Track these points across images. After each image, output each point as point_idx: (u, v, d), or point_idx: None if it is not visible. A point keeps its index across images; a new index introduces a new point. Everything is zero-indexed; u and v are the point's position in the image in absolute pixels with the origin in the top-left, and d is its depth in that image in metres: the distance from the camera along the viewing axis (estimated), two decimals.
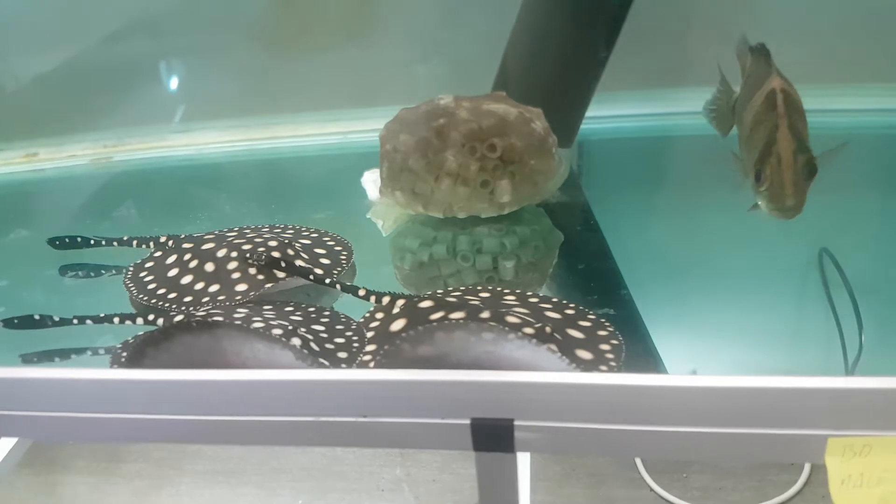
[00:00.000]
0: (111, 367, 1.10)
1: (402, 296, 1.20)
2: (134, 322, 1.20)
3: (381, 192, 1.49)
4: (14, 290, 1.46)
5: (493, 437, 0.99)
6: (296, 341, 1.06)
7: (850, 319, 1.26)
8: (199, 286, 1.26)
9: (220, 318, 1.11)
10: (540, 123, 1.41)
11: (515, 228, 1.45)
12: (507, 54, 1.73)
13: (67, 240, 1.47)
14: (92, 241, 1.46)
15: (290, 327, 1.09)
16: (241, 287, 1.24)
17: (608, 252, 1.45)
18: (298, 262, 1.28)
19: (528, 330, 1.01)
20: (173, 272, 1.31)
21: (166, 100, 2.06)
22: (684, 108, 1.87)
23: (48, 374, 1.00)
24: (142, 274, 1.33)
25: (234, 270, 1.27)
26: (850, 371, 1.21)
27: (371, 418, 1.00)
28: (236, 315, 1.15)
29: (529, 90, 1.64)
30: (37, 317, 1.16)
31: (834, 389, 0.84)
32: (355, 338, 1.12)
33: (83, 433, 1.03)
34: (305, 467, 2.49)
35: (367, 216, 1.56)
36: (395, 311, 1.17)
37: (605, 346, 1.03)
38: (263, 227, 1.49)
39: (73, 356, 1.18)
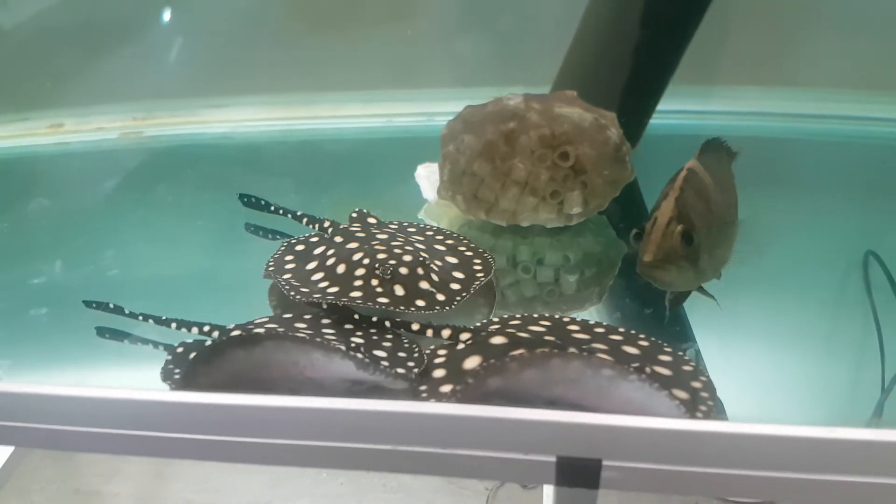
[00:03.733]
0: (163, 379, 1.08)
1: (465, 329, 1.12)
2: (189, 330, 1.17)
3: (438, 193, 1.43)
4: None
5: (579, 475, 0.98)
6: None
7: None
8: (324, 285, 1.22)
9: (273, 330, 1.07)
10: (615, 130, 1.35)
11: (579, 240, 1.40)
12: (574, 46, 1.65)
13: (254, 199, 1.54)
14: (272, 208, 1.52)
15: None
16: (356, 294, 1.19)
17: None
18: (423, 284, 1.20)
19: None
20: (312, 265, 1.27)
21: (200, 72, 1.97)
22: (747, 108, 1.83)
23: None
24: (287, 257, 1.32)
25: (358, 278, 1.21)
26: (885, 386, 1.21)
27: (451, 450, 0.99)
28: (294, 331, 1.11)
29: (597, 85, 1.58)
30: (111, 305, 1.23)
31: None
32: (416, 369, 1.06)
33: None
34: None
35: (419, 216, 1.51)
36: (461, 346, 1.09)
37: (696, 384, 1.01)
38: (409, 226, 1.41)
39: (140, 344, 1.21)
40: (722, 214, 1.13)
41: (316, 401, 0.96)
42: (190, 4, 1.92)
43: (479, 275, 1.26)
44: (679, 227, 1.02)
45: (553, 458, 0.96)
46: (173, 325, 1.18)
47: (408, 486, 2.36)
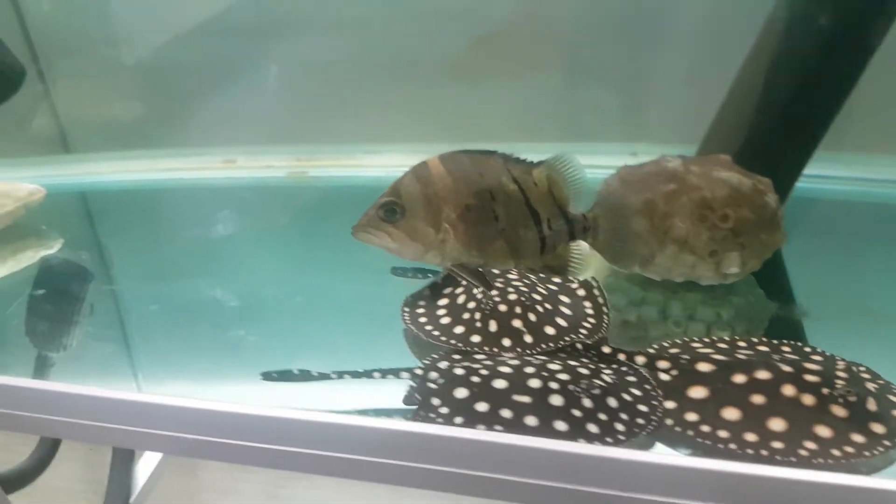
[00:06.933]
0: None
1: (640, 352, 1.21)
2: (397, 376, 1.22)
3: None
4: None
5: None
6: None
7: None
8: (458, 329, 1.33)
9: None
10: (772, 196, 1.41)
11: (731, 298, 1.45)
12: (724, 109, 1.72)
13: None
14: None
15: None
16: (475, 339, 1.30)
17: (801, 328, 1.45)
18: (515, 323, 1.31)
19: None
20: (443, 301, 1.40)
21: (356, 121, 2.15)
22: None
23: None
24: (426, 291, 1.44)
25: (468, 311, 1.33)
26: None
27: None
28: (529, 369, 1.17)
29: (746, 147, 1.64)
30: (296, 371, 1.24)
31: None
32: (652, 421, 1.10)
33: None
34: None
35: None
36: (664, 376, 1.17)
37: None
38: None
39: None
40: (470, 201, 1.25)
41: (445, 429, 1.04)
42: (350, 62, 2.11)
43: (581, 331, 1.32)
44: (383, 199, 1.22)
45: None
46: (376, 374, 1.22)
47: None
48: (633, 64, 2.01)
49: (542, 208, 1.27)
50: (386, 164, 2.13)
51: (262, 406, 1.09)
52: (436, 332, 1.33)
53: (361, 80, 2.12)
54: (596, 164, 1.97)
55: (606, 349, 1.24)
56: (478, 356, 1.24)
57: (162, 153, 2.27)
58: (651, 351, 1.24)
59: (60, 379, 1.41)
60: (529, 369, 1.15)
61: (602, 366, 1.19)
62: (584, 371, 1.15)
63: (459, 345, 1.29)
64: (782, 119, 1.65)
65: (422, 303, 1.43)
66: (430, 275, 1.56)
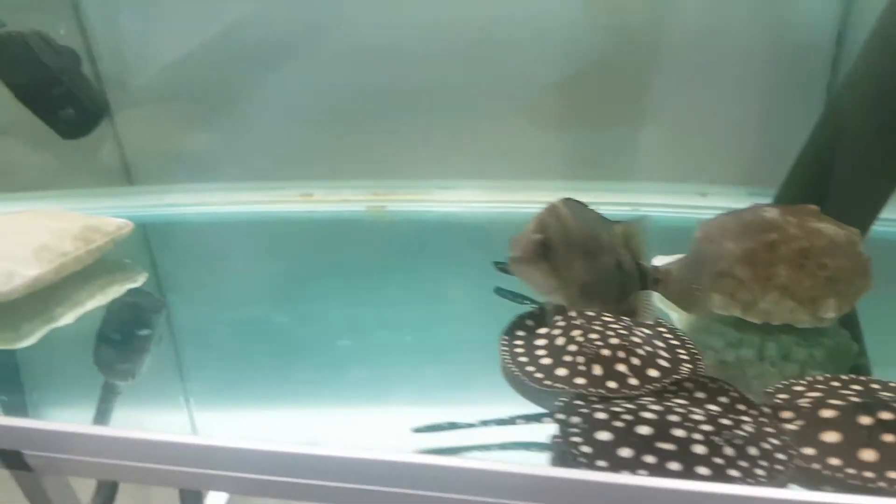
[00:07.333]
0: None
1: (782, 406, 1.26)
2: (539, 421, 1.25)
3: None
4: None
5: None
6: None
7: None
8: (561, 371, 1.36)
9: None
10: (863, 247, 1.53)
11: (822, 340, 1.54)
12: (804, 154, 1.84)
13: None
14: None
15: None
16: (579, 381, 1.33)
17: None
18: (620, 367, 1.34)
19: None
20: (540, 342, 1.42)
21: (430, 156, 2.24)
22: None
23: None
24: (519, 332, 1.47)
25: (569, 353, 1.36)
26: None
27: None
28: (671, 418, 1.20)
29: (824, 192, 1.76)
30: (446, 423, 1.25)
31: None
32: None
33: None
34: None
35: (658, 304, 1.68)
36: (790, 426, 1.22)
37: None
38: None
39: None
40: (586, 247, 1.39)
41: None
42: (426, 102, 2.21)
43: (681, 370, 1.37)
44: (537, 236, 1.33)
45: None
46: (519, 421, 1.24)
47: None
48: (704, 106, 2.11)
49: (622, 259, 1.41)
50: (460, 199, 2.21)
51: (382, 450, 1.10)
52: (538, 375, 1.36)
53: (437, 116, 2.20)
54: (666, 204, 2.10)
55: (732, 392, 1.30)
56: (616, 401, 1.30)
57: (237, 186, 2.31)
58: (772, 396, 1.31)
59: (166, 412, 1.47)
60: (674, 418, 1.22)
61: (742, 417, 1.25)
62: (725, 422, 1.22)
63: (565, 387, 1.33)
64: (862, 166, 1.76)
65: (519, 343, 1.47)
66: (526, 301, 1.63)
